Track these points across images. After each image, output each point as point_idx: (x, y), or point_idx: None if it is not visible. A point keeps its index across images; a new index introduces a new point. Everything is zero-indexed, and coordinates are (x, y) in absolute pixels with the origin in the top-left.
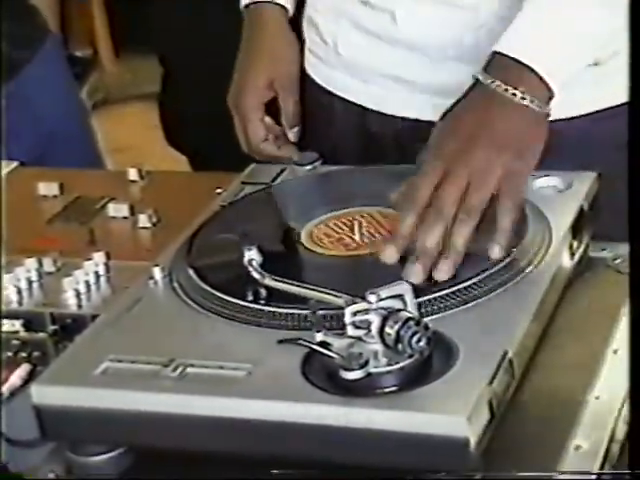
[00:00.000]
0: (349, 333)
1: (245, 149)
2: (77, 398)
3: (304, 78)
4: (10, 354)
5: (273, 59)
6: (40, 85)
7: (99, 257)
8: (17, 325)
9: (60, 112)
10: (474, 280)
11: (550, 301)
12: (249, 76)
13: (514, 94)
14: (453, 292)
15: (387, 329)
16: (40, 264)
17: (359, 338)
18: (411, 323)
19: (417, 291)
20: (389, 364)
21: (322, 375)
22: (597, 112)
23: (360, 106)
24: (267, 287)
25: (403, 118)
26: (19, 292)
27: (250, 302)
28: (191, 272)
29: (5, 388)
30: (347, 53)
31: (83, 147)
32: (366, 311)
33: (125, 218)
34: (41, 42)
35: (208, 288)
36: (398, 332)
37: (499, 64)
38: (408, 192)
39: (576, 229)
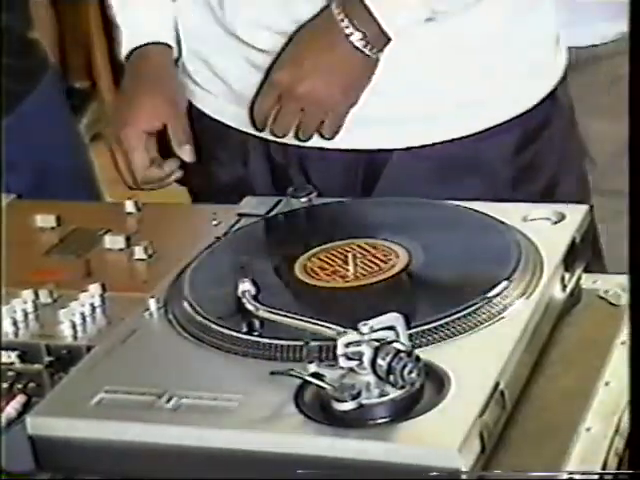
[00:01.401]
0: (341, 364)
1: (128, 181)
2: (72, 429)
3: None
4: (6, 385)
5: (157, 87)
6: (38, 117)
7: (95, 289)
8: (13, 356)
9: (58, 144)
10: (466, 312)
11: (542, 333)
12: (133, 107)
13: (357, 37)
14: (445, 323)
15: (379, 361)
16: (36, 296)
17: (351, 369)
18: (402, 355)
19: (409, 322)
20: (381, 395)
21: (314, 406)
22: (485, 130)
23: (261, 138)
24: (261, 319)
25: (303, 147)
26: (15, 323)
27: (244, 334)
28: (186, 304)
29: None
30: (242, 88)
31: (81, 179)
32: (358, 342)
33: (121, 250)
34: (42, 75)
35: (202, 320)
36: (390, 364)
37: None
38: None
39: (568, 261)
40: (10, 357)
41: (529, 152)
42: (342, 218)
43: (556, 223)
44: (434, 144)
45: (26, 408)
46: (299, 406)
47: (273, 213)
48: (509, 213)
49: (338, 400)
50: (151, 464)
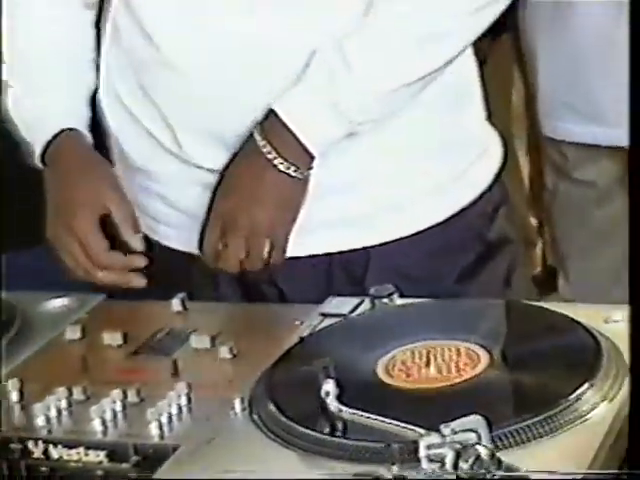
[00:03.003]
0: (424, 466)
1: (87, 269)
2: None
3: None
4: None
5: (96, 170)
6: None
7: (181, 388)
8: (101, 456)
9: None
10: (549, 413)
11: (625, 437)
12: (75, 197)
13: (280, 162)
14: (528, 425)
15: (461, 463)
16: (125, 395)
17: (434, 472)
18: (485, 458)
19: (491, 425)
20: None
21: None
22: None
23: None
24: (344, 420)
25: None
26: (104, 423)
27: (327, 435)
28: (271, 404)
29: None
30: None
31: None
32: (440, 444)
33: (207, 349)
34: None
35: (287, 421)
36: (472, 466)
37: (273, 125)
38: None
39: None
40: (99, 456)
41: (492, 230)
42: (424, 319)
43: None
44: (410, 235)
45: None
46: None
47: (355, 313)
48: (590, 314)
49: None
50: None
